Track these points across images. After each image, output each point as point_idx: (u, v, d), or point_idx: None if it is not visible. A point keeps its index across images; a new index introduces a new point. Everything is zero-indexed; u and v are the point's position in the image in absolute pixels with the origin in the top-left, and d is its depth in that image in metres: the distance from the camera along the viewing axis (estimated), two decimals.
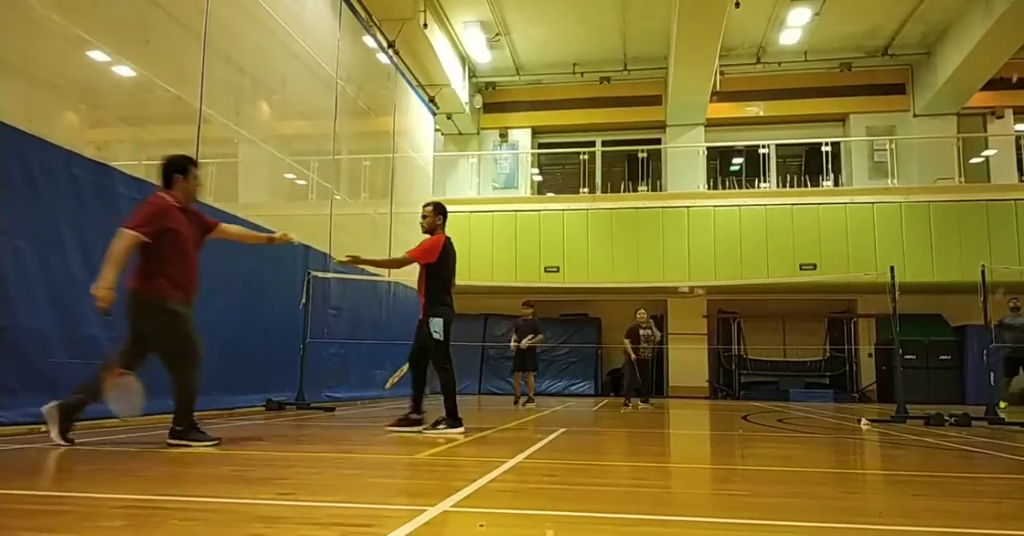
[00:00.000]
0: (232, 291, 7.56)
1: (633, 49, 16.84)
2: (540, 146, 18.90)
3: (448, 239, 5.84)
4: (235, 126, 7.87)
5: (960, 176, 15.31)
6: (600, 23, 15.60)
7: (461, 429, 5.54)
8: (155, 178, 4.64)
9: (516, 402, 11.05)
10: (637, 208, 15.61)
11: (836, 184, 16.25)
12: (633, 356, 10.64)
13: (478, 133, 18.55)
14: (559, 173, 19.15)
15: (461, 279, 6.19)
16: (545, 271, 15.19)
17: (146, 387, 4.17)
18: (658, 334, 11.13)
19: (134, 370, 4.21)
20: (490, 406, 10.79)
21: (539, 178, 18.90)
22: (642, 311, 11.07)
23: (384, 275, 11.87)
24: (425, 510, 2.42)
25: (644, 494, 3.08)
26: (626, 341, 10.75)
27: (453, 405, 5.61)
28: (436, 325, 5.53)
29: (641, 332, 10.75)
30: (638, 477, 3.63)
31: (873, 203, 14.67)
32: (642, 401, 10.81)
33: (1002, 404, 10.16)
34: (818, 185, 15.86)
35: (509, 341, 11.45)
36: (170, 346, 4.28)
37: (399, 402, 11.00)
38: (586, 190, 16.49)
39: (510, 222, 15.71)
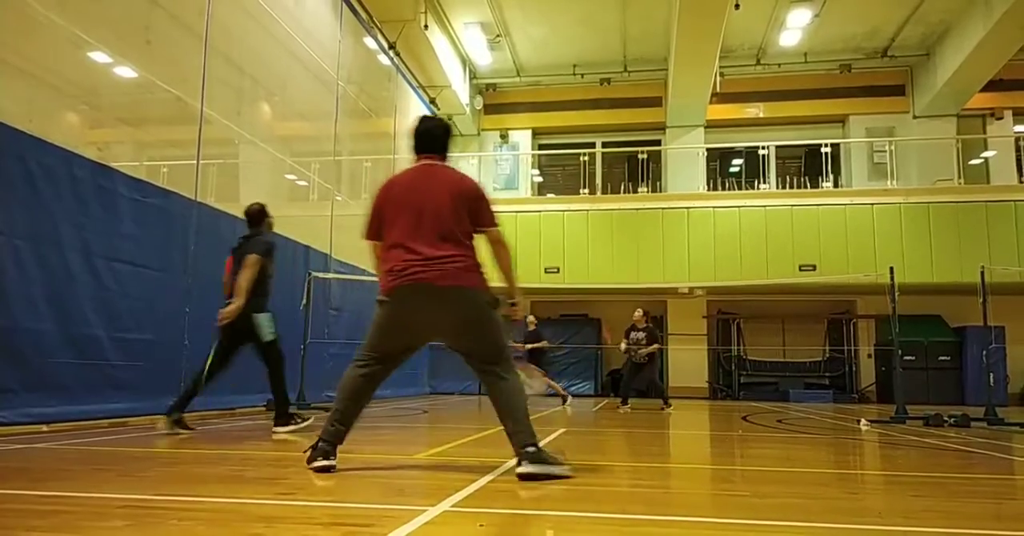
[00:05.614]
0: None
1: (633, 50, 16.85)
2: (540, 147, 18.89)
3: None
4: (236, 127, 7.88)
5: (960, 177, 15.30)
6: (600, 25, 15.60)
7: None
8: (156, 179, 4.68)
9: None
10: (637, 209, 15.61)
11: (836, 185, 16.23)
12: (624, 356, 10.62)
13: (479, 134, 18.55)
14: (559, 174, 19.14)
15: None
16: (545, 272, 15.19)
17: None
18: (640, 335, 10.47)
19: None
20: (489, 407, 10.76)
21: (539, 179, 18.90)
22: (638, 311, 10.77)
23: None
24: (425, 510, 2.43)
25: (644, 494, 3.08)
26: (623, 341, 10.68)
27: None
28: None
29: (632, 334, 10.63)
30: (638, 477, 3.63)
31: (873, 204, 14.66)
32: (622, 402, 10.46)
33: None
34: (818, 186, 15.84)
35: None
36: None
37: (399, 403, 11.00)
38: (586, 191, 16.49)
39: (510, 223, 15.61)
